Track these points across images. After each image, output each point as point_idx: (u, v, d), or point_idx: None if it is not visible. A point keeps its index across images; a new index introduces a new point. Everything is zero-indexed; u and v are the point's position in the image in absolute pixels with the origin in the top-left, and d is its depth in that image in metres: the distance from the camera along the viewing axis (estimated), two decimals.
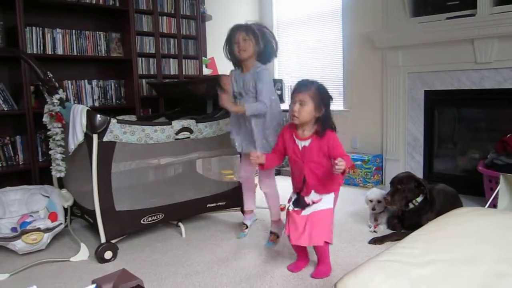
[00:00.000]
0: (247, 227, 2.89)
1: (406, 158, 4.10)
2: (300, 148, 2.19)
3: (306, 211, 2.21)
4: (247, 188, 2.88)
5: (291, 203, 2.30)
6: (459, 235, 1.46)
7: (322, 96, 2.14)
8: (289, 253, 2.49)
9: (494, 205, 2.75)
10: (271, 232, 2.78)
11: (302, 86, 2.16)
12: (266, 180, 2.71)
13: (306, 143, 2.17)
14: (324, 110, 2.14)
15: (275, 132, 2.54)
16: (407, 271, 1.18)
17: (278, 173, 4.56)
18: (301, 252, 2.37)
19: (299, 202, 2.24)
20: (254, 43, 2.51)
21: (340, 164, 1.96)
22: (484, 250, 1.33)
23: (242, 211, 3.14)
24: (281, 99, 4.60)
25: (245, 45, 2.50)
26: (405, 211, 2.84)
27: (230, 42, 2.56)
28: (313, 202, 2.20)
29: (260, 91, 2.47)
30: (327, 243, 2.20)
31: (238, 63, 2.61)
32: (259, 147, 2.54)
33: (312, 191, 2.20)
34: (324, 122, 2.15)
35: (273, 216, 2.79)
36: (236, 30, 2.53)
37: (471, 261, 1.25)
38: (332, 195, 2.23)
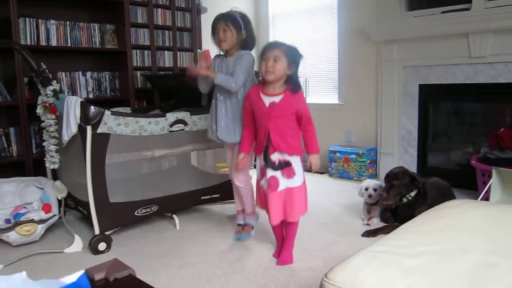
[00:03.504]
0: (243, 227, 2.73)
1: (400, 152, 4.12)
2: (267, 105, 2.20)
3: (281, 186, 2.22)
4: (235, 186, 2.71)
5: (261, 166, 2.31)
6: (450, 227, 1.48)
7: (294, 54, 2.19)
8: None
9: (486, 198, 2.78)
10: (245, 224, 2.72)
11: (275, 43, 2.23)
12: (240, 176, 2.60)
13: (276, 99, 2.19)
14: (295, 69, 2.20)
15: None
16: (398, 261, 1.19)
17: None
18: (280, 235, 2.44)
19: (267, 162, 2.25)
20: (235, 32, 2.45)
21: (315, 165, 2.26)
22: (475, 241, 1.34)
23: None
24: None
25: (225, 36, 2.44)
26: (399, 204, 2.85)
27: (213, 32, 2.51)
28: (279, 162, 2.21)
29: (236, 71, 2.41)
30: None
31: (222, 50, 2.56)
32: (233, 136, 2.50)
33: (276, 151, 2.21)
34: (296, 80, 2.22)
35: (248, 209, 2.72)
36: (217, 20, 2.48)
37: (462, 251, 1.27)
38: (298, 160, 2.25)
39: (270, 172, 2.23)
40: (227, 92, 2.47)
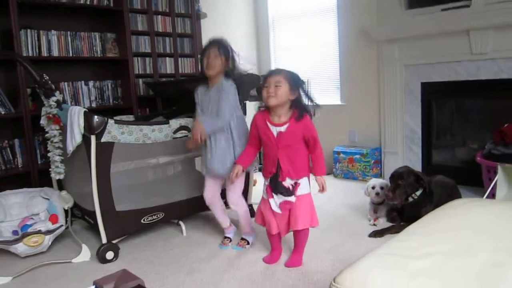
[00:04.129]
0: (230, 240, 2.74)
1: (405, 150, 4.11)
2: (275, 134, 2.22)
3: (287, 198, 2.26)
4: (215, 208, 2.72)
5: (268, 190, 2.33)
6: (456, 226, 1.47)
7: (294, 79, 2.21)
8: (290, 249, 2.49)
9: (493, 195, 2.77)
10: (242, 238, 2.70)
11: (274, 70, 2.26)
12: (233, 196, 2.59)
13: (282, 128, 2.21)
14: (298, 94, 2.22)
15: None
16: (405, 263, 1.19)
17: None
18: (276, 241, 2.44)
19: (277, 188, 2.27)
20: (224, 61, 2.46)
21: (323, 187, 2.29)
22: (481, 241, 1.34)
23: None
24: None
25: (214, 62, 2.43)
26: (405, 204, 2.85)
27: (203, 55, 2.50)
28: (292, 186, 2.25)
29: (220, 107, 2.40)
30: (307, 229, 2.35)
31: (205, 78, 2.54)
32: (226, 166, 2.49)
33: (286, 178, 2.24)
34: (301, 105, 2.24)
35: (244, 229, 2.70)
36: (210, 44, 2.47)
37: (468, 252, 1.26)
38: (306, 178, 2.30)
39: (281, 198, 2.27)
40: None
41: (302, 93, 2.24)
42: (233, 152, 2.50)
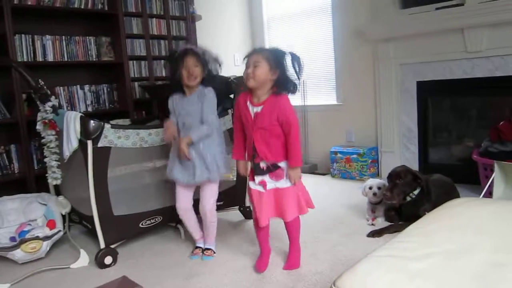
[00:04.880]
0: (202, 250, 2.65)
1: (401, 149, 4.12)
2: (252, 115, 2.16)
3: (270, 186, 2.21)
4: (189, 220, 2.62)
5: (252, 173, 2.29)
6: (455, 226, 1.48)
7: (276, 57, 2.11)
8: (284, 252, 2.48)
9: (490, 193, 2.77)
10: (207, 249, 2.62)
11: (255, 49, 2.17)
12: (210, 203, 2.51)
13: (259, 109, 2.14)
14: (280, 72, 2.12)
15: (222, 154, 2.50)
16: (404, 265, 1.19)
17: None
18: (264, 241, 2.39)
19: (256, 170, 2.23)
20: (203, 69, 2.41)
21: (293, 179, 2.17)
22: (480, 241, 1.34)
23: (240, 210, 3.17)
24: None
25: (196, 72, 2.37)
26: (403, 203, 2.85)
27: (177, 64, 2.40)
28: (267, 167, 2.19)
29: (206, 114, 2.37)
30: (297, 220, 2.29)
31: (179, 86, 2.46)
32: (213, 176, 2.43)
33: (262, 160, 2.19)
34: (280, 85, 2.13)
35: (209, 239, 2.63)
36: (186, 53, 2.39)
37: (468, 252, 1.26)
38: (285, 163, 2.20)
39: (259, 178, 2.23)
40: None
41: (285, 72, 2.12)
42: (213, 156, 2.44)
